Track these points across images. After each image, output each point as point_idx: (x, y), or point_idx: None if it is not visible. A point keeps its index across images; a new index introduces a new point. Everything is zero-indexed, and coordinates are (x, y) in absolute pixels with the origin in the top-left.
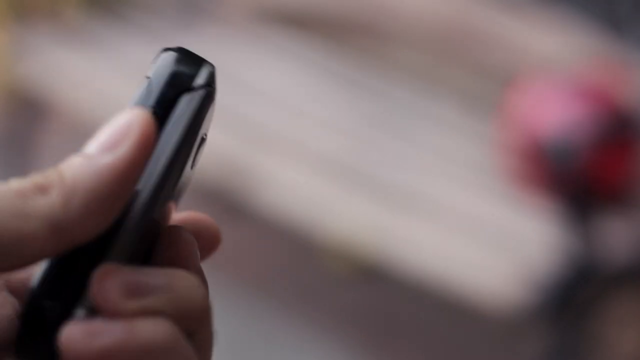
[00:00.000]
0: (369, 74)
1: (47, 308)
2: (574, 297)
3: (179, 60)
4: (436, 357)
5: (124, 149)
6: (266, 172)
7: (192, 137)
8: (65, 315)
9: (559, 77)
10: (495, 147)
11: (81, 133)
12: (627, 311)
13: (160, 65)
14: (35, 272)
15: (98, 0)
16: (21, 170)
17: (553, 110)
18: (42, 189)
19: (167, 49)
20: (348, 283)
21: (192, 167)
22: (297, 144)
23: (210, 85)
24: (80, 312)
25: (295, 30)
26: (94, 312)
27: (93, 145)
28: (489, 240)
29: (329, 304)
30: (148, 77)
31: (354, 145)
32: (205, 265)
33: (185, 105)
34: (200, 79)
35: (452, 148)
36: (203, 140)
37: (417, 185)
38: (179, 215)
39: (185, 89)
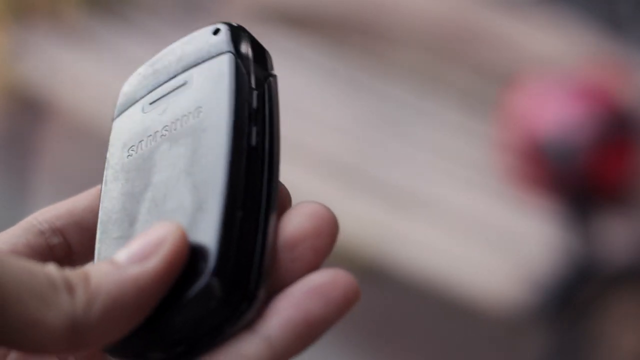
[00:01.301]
0: (369, 73)
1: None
2: (574, 297)
3: (253, 44)
4: (436, 357)
5: (152, 264)
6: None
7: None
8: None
9: (559, 76)
10: (495, 146)
11: (81, 133)
12: (627, 311)
13: (243, 45)
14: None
15: (98, 0)
16: (21, 170)
17: (553, 110)
18: (68, 287)
19: (230, 26)
20: None
21: None
22: (297, 143)
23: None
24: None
25: (295, 30)
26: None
27: (124, 253)
28: (489, 240)
29: None
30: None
31: (354, 145)
32: None
33: (270, 94)
34: (270, 63)
35: (453, 148)
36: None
37: (417, 185)
38: None
39: (268, 73)
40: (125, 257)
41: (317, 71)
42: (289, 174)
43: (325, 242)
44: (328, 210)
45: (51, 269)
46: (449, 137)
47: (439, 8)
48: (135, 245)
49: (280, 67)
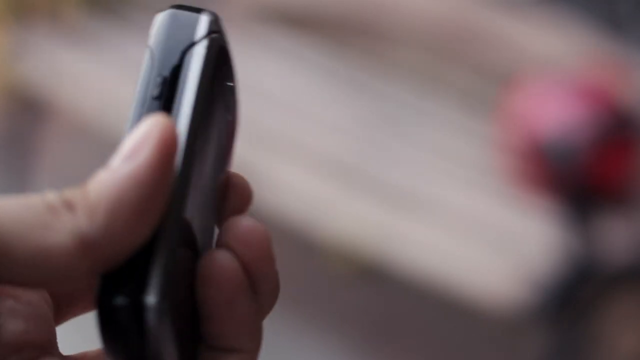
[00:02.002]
0: (369, 73)
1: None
2: (574, 297)
3: (173, 19)
4: (436, 357)
5: (142, 156)
6: (266, 172)
7: (206, 90)
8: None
9: (559, 76)
10: (495, 147)
11: (81, 133)
12: (627, 311)
13: (156, 30)
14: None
15: (98, 0)
16: (21, 170)
17: (553, 110)
18: (68, 205)
19: (160, 12)
20: (348, 283)
21: (228, 114)
22: (297, 143)
23: (213, 33)
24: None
25: (296, 30)
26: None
27: (115, 158)
28: (489, 240)
29: (329, 304)
30: (149, 47)
31: (354, 145)
32: None
33: (190, 62)
34: (201, 30)
35: (453, 148)
36: (231, 88)
37: (417, 185)
38: None
39: (187, 45)
40: (117, 159)
41: (317, 71)
42: (289, 174)
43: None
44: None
45: (49, 195)
46: (449, 137)
47: (438, 8)
48: (125, 147)
49: (280, 67)
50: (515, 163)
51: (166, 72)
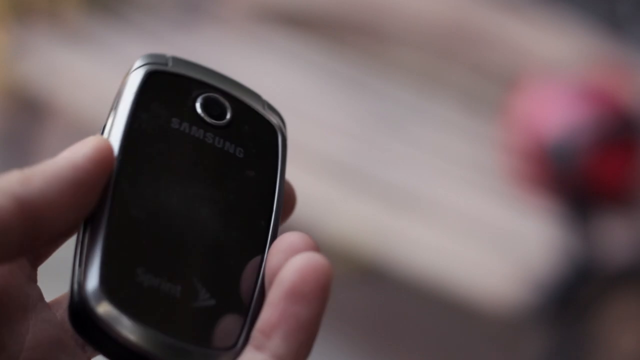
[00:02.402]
0: (370, 74)
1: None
2: (574, 297)
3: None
4: (436, 357)
5: (81, 151)
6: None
7: (131, 109)
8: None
9: (562, 78)
10: (496, 147)
11: (81, 133)
12: (627, 311)
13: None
14: None
15: (98, 0)
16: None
17: (555, 112)
18: (7, 174)
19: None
20: (348, 283)
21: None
22: (296, 143)
23: (151, 64)
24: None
25: (295, 30)
26: None
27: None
28: (489, 240)
29: (329, 304)
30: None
31: (354, 145)
32: None
33: (122, 90)
34: (138, 62)
35: (453, 148)
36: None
37: (417, 185)
38: None
39: (125, 74)
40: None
41: (317, 71)
42: (288, 174)
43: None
44: (303, 237)
45: None
46: (449, 137)
47: (439, 8)
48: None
49: (280, 67)
50: (517, 164)
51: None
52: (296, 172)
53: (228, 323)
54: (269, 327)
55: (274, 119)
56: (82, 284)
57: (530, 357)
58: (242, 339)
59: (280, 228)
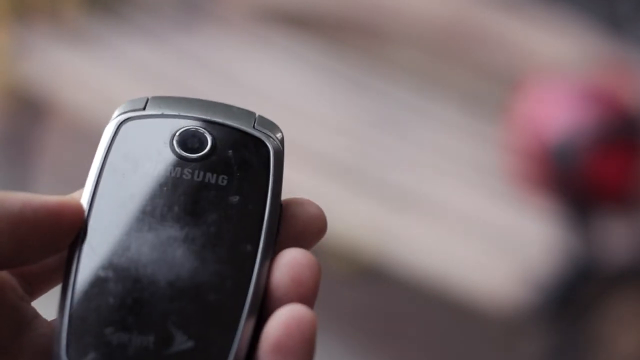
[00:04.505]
0: (370, 74)
1: None
2: (574, 297)
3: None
4: (436, 357)
5: (53, 199)
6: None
7: (100, 161)
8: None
9: (563, 78)
10: (497, 147)
11: (81, 133)
12: (627, 311)
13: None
14: None
15: (98, 0)
16: (21, 170)
17: (557, 112)
18: None
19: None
20: (348, 283)
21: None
22: (296, 143)
23: (123, 114)
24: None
25: (295, 30)
26: None
27: None
28: (490, 240)
29: (329, 304)
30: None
31: (354, 145)
32: None
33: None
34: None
35: (453, 148)
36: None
37: (417, 185)
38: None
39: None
40: None
41: (317, 71)
42: (288, 174)
43: (308, 288)
44: (306, 255)
45: None
46: (449, 138)
47: (440, 9)
48: None
49: (280, 67)
50: (519, 164)
51: None
52: (296, 172)
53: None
54: None
55: (264, 134)
56: (56, 354)
57: (530, 357)
58: None
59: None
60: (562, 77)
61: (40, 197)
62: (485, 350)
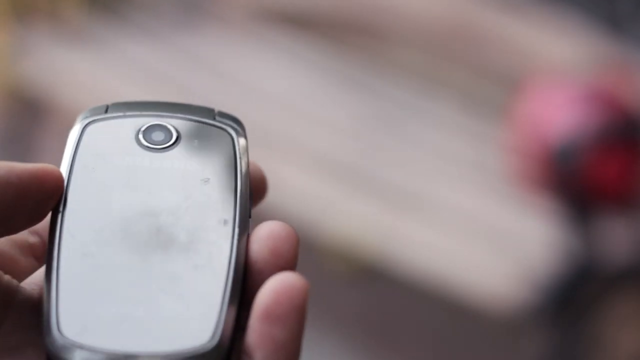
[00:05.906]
0: (370, 74)
1: None
2: (574, 297)
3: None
4: (436, 357)
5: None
6: (265, 171)
7: (70, 155)
8: None
9: (564, 79)
10: (497, 148)
11: None
12: (627, 311)
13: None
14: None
15: (98, 0)
16: None
17: (558, 113)
18: None
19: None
20: (348, 283)
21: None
22: (297, 143)
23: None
24: None
25: (296, 30)
26: None
27: None
28: (490, 240)
29: (329, 304)
30: None
31: (354, 145)
32: None
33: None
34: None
35: (453, 148)
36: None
37: (417, 185)
38: None
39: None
40: None
41: (317, 71)
42: (288, 174)
43: (287, 259)
44: (284, 226)
45: None
46: (449, 138)
47: (439, 8)
48: None
49: (280, 67)
50: (520, 165)
51: None
52: (296, 171)
53: (200, 321)
54: (250, 349)
55: (225, 124)
56: (50, 338)
57: (530, 357)
58: (218, 333)
59: (256, 216)
60: (563, 78)
61: (20, 164)
62: (485, 350)
